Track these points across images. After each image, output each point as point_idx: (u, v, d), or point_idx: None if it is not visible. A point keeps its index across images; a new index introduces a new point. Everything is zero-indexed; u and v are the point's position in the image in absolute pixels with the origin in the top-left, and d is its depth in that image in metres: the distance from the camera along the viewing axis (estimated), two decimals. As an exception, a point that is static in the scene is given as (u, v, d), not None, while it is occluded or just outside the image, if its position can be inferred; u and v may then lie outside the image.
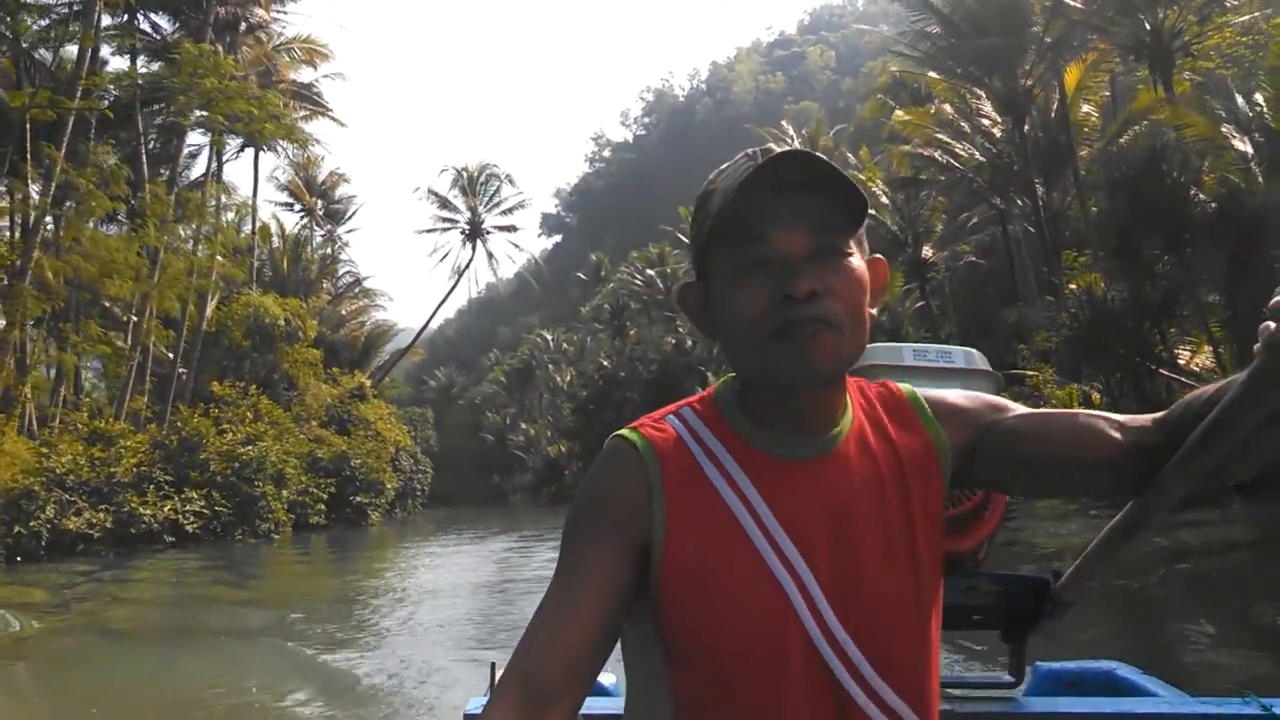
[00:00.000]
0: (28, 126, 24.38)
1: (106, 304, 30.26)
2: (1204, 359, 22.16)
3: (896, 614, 1.15)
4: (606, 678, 2.04)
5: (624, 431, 1.23)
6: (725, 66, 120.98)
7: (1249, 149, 22.78)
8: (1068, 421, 1.26)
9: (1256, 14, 26.86)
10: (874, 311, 1.18)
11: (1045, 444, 1.23)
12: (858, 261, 1.14)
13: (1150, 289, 21.21)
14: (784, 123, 50.06)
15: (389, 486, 38.91)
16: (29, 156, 23.82)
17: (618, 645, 1.20)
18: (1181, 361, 22.42)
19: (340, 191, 55.14)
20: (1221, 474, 1.18)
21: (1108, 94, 33.06)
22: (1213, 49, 28.38)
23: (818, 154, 1.10)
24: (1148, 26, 26.99)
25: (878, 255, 1.21)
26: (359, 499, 35.67)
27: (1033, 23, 29.30)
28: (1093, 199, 27.75)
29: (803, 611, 1.11)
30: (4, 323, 22.37)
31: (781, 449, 1.17)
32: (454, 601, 13.84)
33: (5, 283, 22.41)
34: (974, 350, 2.28)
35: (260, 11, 32.32)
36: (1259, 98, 23.53)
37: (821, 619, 1.11)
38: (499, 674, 1.46)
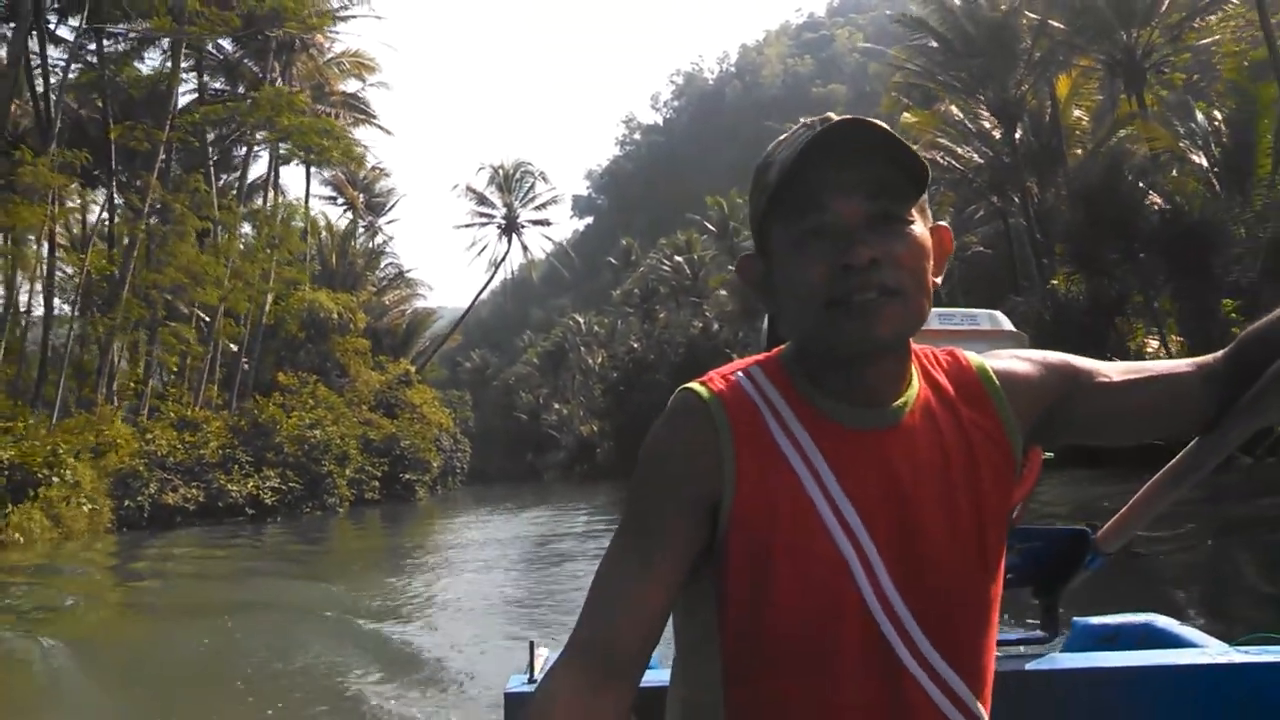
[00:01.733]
0: (112, 150, 28.43)
1: (169, 297, 34.34)
2: (1154, 349, 25.48)
3: (958, 592, 1.14)
4: None
5: (693, 385, 1.20)
6: (754, 49, 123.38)
7: (1205, 162, 26.02)
8: (1149, 383, 1.23)
9: (1217, 37, 29.94)
10: (938, 280, 1.17)
11: (1128, 409, 1.24)
12: (920, 229, 1.13)
13: (1106, 288, 24.60)
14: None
15: (434, 465, 43.01)
16: (114, 176, 27.79)
17: None
18: (1132, 351, 25.63)
19: (380, 185, 58.96)
20: None
21: (1101, 97, 35.99)
22: (1180, 67, 31.42)
23: (876, 121, 1.09)
24: (1122, 45, 30.11)
25: (942, 223, 1.20)
26: (408, 476, 39.86)
27: (1021, 40, 32.41)
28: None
29: (862, 581, 1.10)
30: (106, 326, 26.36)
31: (846, 417, 1.16)
32: (500, 573, 15.07)
33: (107, 290, 26.38)
34: (998, 312, 2.38)
35: (311, 20, 35.94)
36: (1217, 115, 26.63)
37: (881, 590, 1.11)
38: (537, 650, 1.69)
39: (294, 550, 19.79)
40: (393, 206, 61.07)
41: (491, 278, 60.13)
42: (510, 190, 58.21)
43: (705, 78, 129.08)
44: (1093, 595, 2.35)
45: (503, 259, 57.18)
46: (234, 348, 37.03)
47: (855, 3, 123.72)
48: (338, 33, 40.74)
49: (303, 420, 32.59)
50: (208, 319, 34.12)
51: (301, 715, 6.66)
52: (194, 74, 36.29)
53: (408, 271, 60.37)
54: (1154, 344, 25.45)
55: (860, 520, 1.12)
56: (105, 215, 28.72)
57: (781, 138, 1.18)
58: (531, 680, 1.75)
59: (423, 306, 62.36)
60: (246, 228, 31.91)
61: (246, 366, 37.64)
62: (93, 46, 30.90)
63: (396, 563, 16.40)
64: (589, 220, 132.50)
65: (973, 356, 1.27)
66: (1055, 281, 28.36)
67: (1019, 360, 1.27)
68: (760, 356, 1.26)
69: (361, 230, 56.67)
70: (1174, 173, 27.00)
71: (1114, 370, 1.26)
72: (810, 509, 1.12)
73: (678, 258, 66.28)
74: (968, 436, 1.18)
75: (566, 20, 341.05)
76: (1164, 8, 29.83)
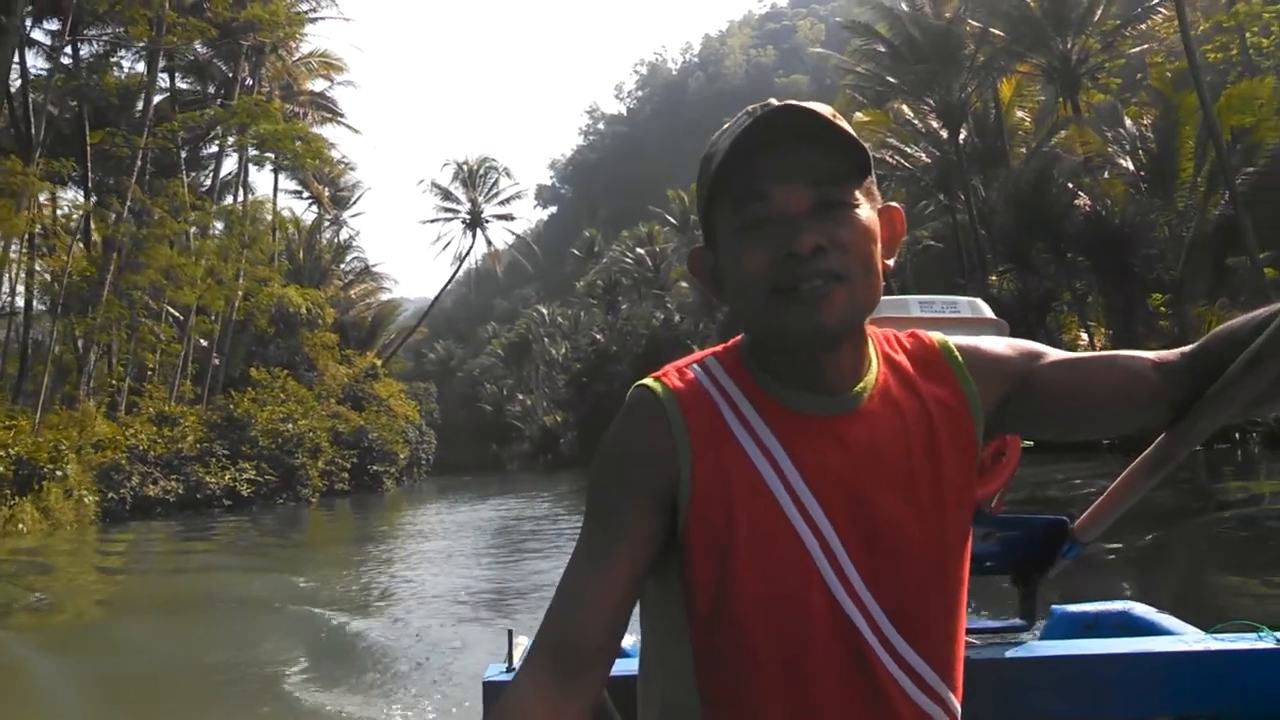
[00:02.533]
0: (88, 153, 29.76)
1: (144, 296, 35.54)
2: (1084, 342, 27.50)
3: (921, 573, 1.15)
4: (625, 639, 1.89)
5: (647, 381, 1.22)
6: (717, 40, 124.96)
7: (1132, 165, 27.99)
8: (1104, 366, 1.24)
9: (1146, 46, 31.98)
10: (890, 263, 1.17)
11: (1083, 391, 1.23)
12: (866, 212, 1.12)
13: (1036, 286, 26.64)
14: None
15: (401, 456, 44.54)
16: (88, 179, 29.09)
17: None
18: (1065, 344, 27.76)
19: (345, 179, 60.12)
20: (1261, 405, 1.17)
21: (1044, 98, 37.92)
22: (1114, 73, 33.44)
23: (813, 105, 1.09)
24: (1057, 53, 32.05)
25: (892, 204, 1.19)
26: (375, 468, 41.39)
27: (965, 46, 34.27)
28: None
29: (824, 567, 1.11)
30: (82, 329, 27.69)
31: (804, 405, 1.17)
32: (467, 560, 15.61)
33: (87, 291, 27.70)
34: (978, 299, 2.49)
35: (281, 31, 37.19)
36: (1145, 120, 28.56)
37: (844, 575, 1.11)
38: (516, 640, 1.69)
39: (268, 541, 20.92)
40: (357, 200, 62.31)
41: (456, 271, 61.53)
42: (475, 186, 59.70)
43: (669, 68, 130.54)
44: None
45: (467, 253, 58.88)
46: (204, 343, 38.31)
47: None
48: (306, 34, 41.85)
49: (275, 414, 34.00)
50: (179, 315, 35.41)
51: (267, 712, 6.49)
52: (164, 74, 37.44)
53: (374, 266, 61.60)
54: (1085, 338, 27.50)
55: (820, 507, 1.12)
56: (79, 214, 29.76)
57: (725, 127, 1.17)
58: (510, 669, 1.75)
59: (388, 299, 63.64)
60: (218, 224, 33.21)
61: (217, 362, 38.92)
62: (68, 49, 32.25)
63: (367, 553, 17.23)
64: (553, 210, 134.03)
65: (935, 335, 1.28)
66: (994, 278, 30.38)
67: (984, 339, 1.28)
68: (717, 348, 1.26)
69: (327, 224, 57.84)
70: (1105, 175, 28.99)
71: (1076, 355, 1.26)
72: (769, 498, 1.12)
73: (640, 250, 67.80)
74: (929, 414, 1.18)
75: (531, 9, 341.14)
76: (1096, 17, 31.80)
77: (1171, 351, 1.24)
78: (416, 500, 36.67)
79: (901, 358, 1.24)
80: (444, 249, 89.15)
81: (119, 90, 29.83)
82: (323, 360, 43.87)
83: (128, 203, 28.09)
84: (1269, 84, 26.04)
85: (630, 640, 1.63)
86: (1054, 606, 2.41)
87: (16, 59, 26.32)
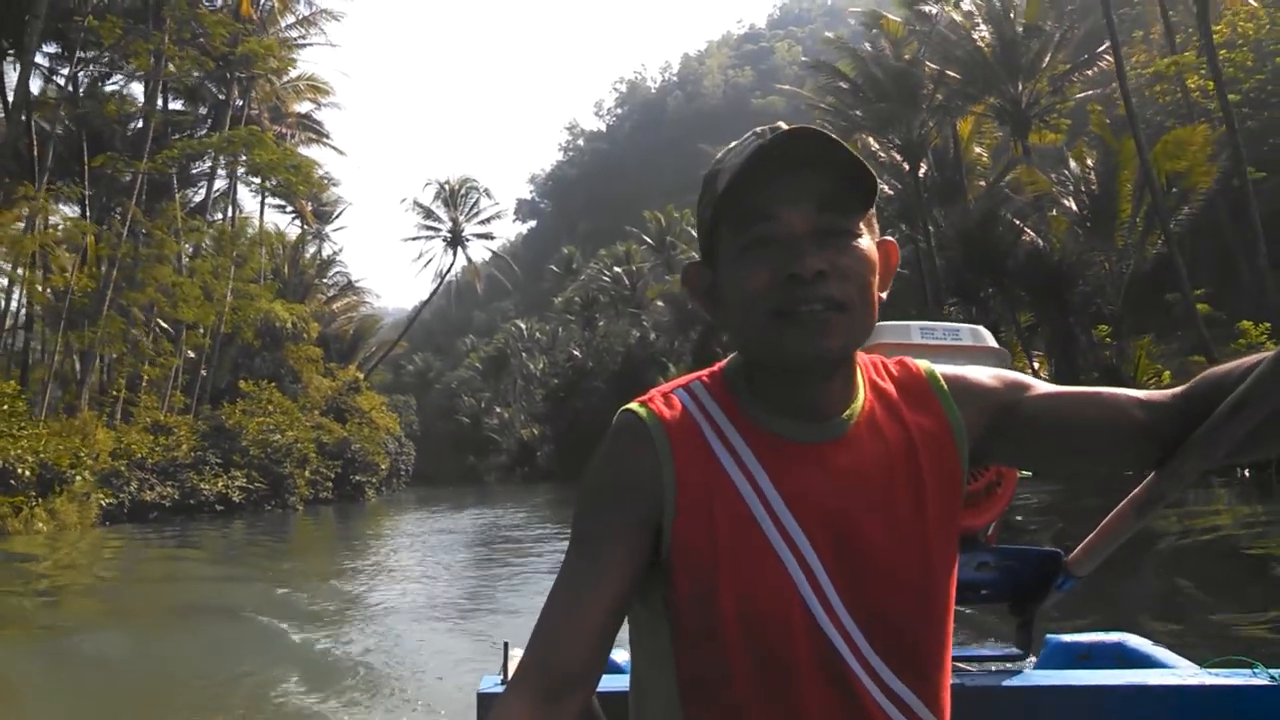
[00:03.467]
0: (86, 174, 31.64)
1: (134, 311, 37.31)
2: (1027, 371, 29.68)
3: (904, 598, 1.16)
4: (619, 654, 1.91)
5: (633, 406, 1.23)
6: (696, 59, 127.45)
7: (1075, 206, 30.19)
8: (1090, 401, 1.25)
9: (1095, 90, 34.32)
10: (883, 295, 1.18)
11: (1067, 424, 1.24)
12: (867, 243, 1.14)
13: (981, 318, 28.81)
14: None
15: (382, 467, 46.42)
16: (85, 198, 30.96)
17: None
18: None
19: (328, 195, 61.85)
20: (1247, 449, 1.18)
21: (1001, 134, 40.16)
22: (1065, 114, 35.72)
23: (827, 132, 1.10)
24: (1009, 96, 34.30)
25: (888, 237, 1.21)
26: (358, 478, 43.35)
27: (924, 86, 36.46)
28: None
29: (807, 593, 1.13)
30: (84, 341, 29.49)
31: (789, 431, 1.18)
32: (452, 570, 16.15)
33: (89, 306, 29.51)
34: (980, 327, 2.50)
35: (274, 62, 39.11)
36: (1089, 162, 30.75)
37: (826, 601, 1.13)
38: (511, 652, 1.71)
39: (260, 549, 22.04)
40: (340, 214, 64.09)
41: (437, 289, 63.37)
42: (456, 205, 61.73)
43: (648, 86, 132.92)
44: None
45: (448, 270, 60.79)
46: (190, 354, 40.04)
47: (795, 15, 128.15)
48: (295, 59, 43.79)
49: (265, 424, 35.84)
50: (168, 328, 37.17)
51: None
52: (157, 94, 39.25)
53: (357, 281, 63.46)
54: (1034, 367, 29.70)
55: (804, 534, 1.14)
56: (81, 235, 31.51)
57: (731, 145, 1.20)
58: (504, 680, 1.75)
59: (369, 314, 65.45)
60: (207, 240, 35.11)
61: (204, 373, 40.64)
62: (65, 71, 34.11)
63: (355, 561, 18.22)
64: (532, 224, 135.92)
65: (922, 363, 1.29)
66: (947, 309, 32.54)
67: (970, 369, 1.29)
68: (703, 373, 1.27)
69: (310, 239, 59.56)
70: (1054, 212, 31.21)
71: (1064, 389, 1.27)
72: (752, 525, 1.14)
73: (617, 269, 69.61)
74: (913, 442, 1.20)
75: (513, 27, 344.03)
76: (1045, 63, 34.08)
77: (1161, 392, 1.25)
78: (398, 509, 38.44)
79: (888, 385, 1.25)
80: (425, 265, 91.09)
81: (120, 116, 31.57)
82: (307, 373, 45.62)
83: (127, 223, 29.87)
84: (1202, 131, 28.19)
85: (624, 656, 1.60)
86: (1049, 636, 2.40)
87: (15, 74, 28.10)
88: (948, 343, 2.41)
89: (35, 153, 29.71)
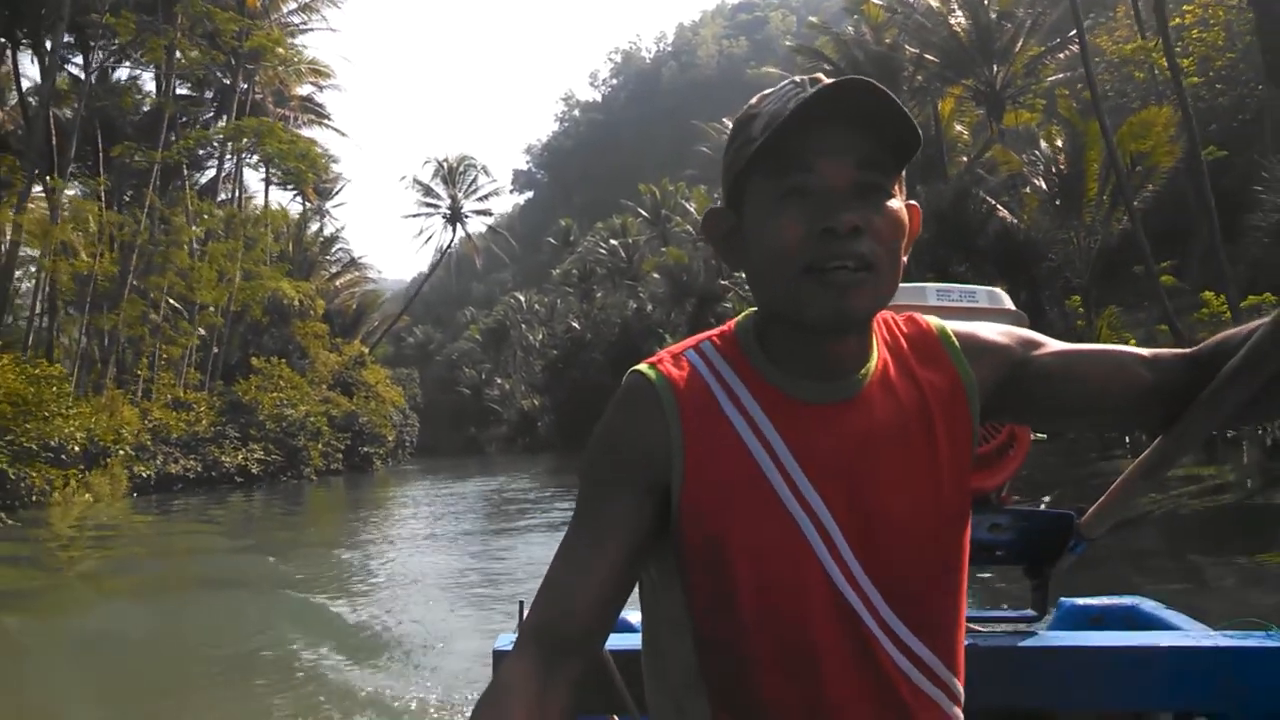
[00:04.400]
0: (101, 162, 33.57)
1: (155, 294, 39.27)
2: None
3: (918, 556, 1.16)
4: (631, 614, 1.85)
5: (642, 367, 1.23)
6: (690, 30, 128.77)
7: (1044, 185, 32.07)
8: (1100, 358, 1.26)
9: (1067, 73, 36.13)
10: (905, 259, 1.16)
11: (1078, 382, 1.24)
12: (898, 204, 1.13)
13: (955, 293, 30.79)
14: (725, 119, 57.98)
15: (389, 439, 48.58)
16: (100, 183, 32.95)
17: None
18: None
19: (328, 173, 63.65)
20: (1252, 413, 1.21)
21: (981, 112, 41.92)
22: (1040, 94, 37.53)
23: (878, 85, 1.06)
24: (984, 79, 36.11)
25: (912, 201, 1.18)
26: (366, 449, 45.65)
27: (904, 68, 38.24)
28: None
29: (822, 554, 1.13)
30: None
31: (802, 391, 1.17)
32: (456, 536, 17.07)
33: (111, 290, 31.52)
34: (998, 289, 2.46)
35: (281, 51, 40.90)
36: (1059, 143, 32.58)
37: (842, 560, 1.13)
38: (526, 611, 1.63)
39: (279, 520, 23.93)
40: (339, 190, 65.91)
41: (437, 264, 65.30)
42: (454, 183, 63.64)
43: (643, 57, 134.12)
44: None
45: (448, 247, 62.82)
46: (202, 332, 42.02)
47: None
48: (299, 45, 45.56)
49: (279, 400, 37.96)
50: (180, 308, 39.11)
51: (285, 691, 6.79)
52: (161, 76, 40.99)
53: (360, 258, 65.34)
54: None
55: (817, 493, 1.14)
56: (97, 221, 33.43)
57: (766, 92, 1.18)
58: None
59: (371, 289, 67.35)
60: (219, 225, 37.18)
61: (216, 350, 42.64)
62: (76, 59, 35.95)
63: (369, 530, 19.55)
64: (529, 195, 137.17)
65: (932, 319, 1.28)
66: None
67: (981, 325, 1.29)
68: (713, 332, 1.27)
69: (313, 215, 61.40)
70: (1026, 190, 33.08)
71: (1075, 346, 1.27)
72: (764, 485, 1.14)
73: (614, 241, 71.07)
74: (925, 400, 1.20)
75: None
76: (1019, 47, 35.87)
77: (1172, 352, 1.26)
78: (406, 479, 40.46)
79: (901, 342, 1.24)
80: (425, 242, 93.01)
81: (135, 108, 33.48)
82: (314, 349, 47.55)
83: (145, 210, 31.81)
84: (1165, 113, 30.02)
85: (636, 616, 1.61)
86: (1062, 599, 2.40)
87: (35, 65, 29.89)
88: (964, 304, 2.39)
89: (55, 143, 31.49)
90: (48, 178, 28.34)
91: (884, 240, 1.11)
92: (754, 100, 1.20)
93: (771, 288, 1.15)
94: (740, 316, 1.27)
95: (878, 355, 1.22)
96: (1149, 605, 2.28)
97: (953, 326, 1.28)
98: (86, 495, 24.61)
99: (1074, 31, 35.11)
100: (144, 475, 29.64)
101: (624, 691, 1.54)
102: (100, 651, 8.44)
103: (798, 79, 1.16)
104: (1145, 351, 1.28)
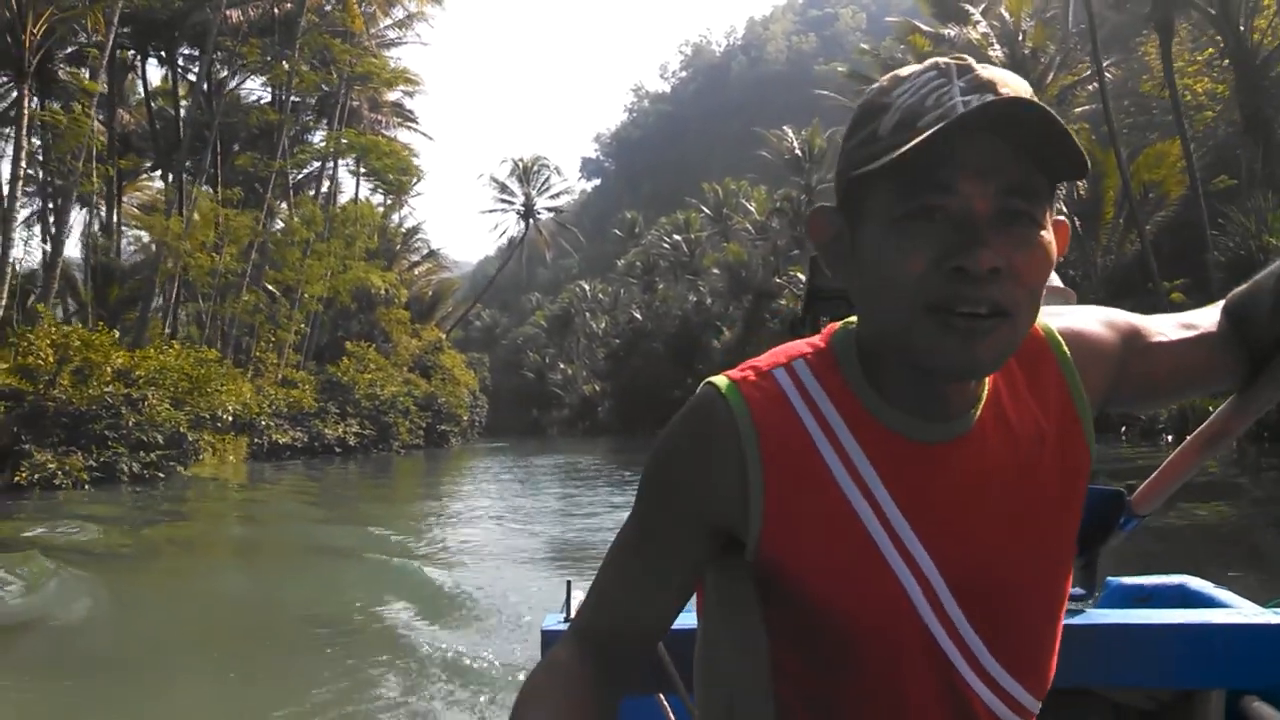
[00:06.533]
0: (219, 168, 39.23)
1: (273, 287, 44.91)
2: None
3: (1028, 605, 1.09)
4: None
5: (719, 382, 1.09)
6: (760, 24, 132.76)
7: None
8: (1193, 340, 1.20)
9: (1089, 107, 40.22)
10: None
11: (1173, 375, 1.20)
12: (1049, 236, 0.98)
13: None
14: (785, 128, 62.20)
15: (464, 419, 54.23)
16: (218, 183, 38.69)
17: None
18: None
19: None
20: None
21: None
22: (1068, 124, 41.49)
23: (1036, 99, 0.92)
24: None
25: (1060, 217, 1.04)
26: (443, 428, 51.46)
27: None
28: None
29: (924, 610, 1.04)
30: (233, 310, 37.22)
31: (907, 427, 1.05)
32: (523, 511, 18.62)
33: (234, 283, 37.13)
34: None
35: (386, 75, 46.44)
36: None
37: (946, 615, 1.05)
38: (574, 594, 1.79)
39: (374, 489, 28.66)
40: (417, 181, 71.41)
41: (509, 257, 70.77)
42: (529, 181, 69.02)
43: (713, 50, 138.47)
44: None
45: (521, 241, 68.24)
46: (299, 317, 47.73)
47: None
48: (394, 57, 51.00)
49: (372, 380, 43.58)
50: (274, 293, 44.56)
51: (355, 652, 7.39)
52: (270, 86, 46.61)
53: (437, 250, 70.92)
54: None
55: (921, 545, 1.03)
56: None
57: (901, 74, 1.01)
58: (567, 619, 1.80)
59: (446, 277, 72.89)
60: (324, 226, 42.79)
61: (308, 332, 48.17)
62: (196, 69, 41.54)
63: (450, 502, 21.64)
64: (596, 182, 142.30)
65: (1040, 322, 1.13)
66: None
67: (1082, 320, 1.19)
68: (805, 346, 1.12)
69: (395, 207, 66.93)
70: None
71: (1165, 327, 1.20)
72: (861, 535, 1.03)
73: (676, 236, 75.79)
74: (1040, 430, 1.09)
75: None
76: (1049, 81, 39.99)
77: (1211, 320, 1.23)
78: (479, 456, 45.49)
79: (1011, 361, 1.06)
80: (501, 235, 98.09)
81: (261, 124, 39.11)
82: (396, 334, 53.01)
83: (264, 211, 37.37)
84: (1177, 146, 34.10)
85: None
86: (1109, 579, 2.36)
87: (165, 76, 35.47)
88: None
89: (187, 146, 37.07)
90: (195, 187, 33.94)
91: (1025, 282, 0.94)
92: (884, 81, 1.02)
93: (884, 318, 1.00)
94: (838, 327, 1.13)
95: (990, 381, 1.08)
96: (1196, 584, 2.23)
97: (1059, 327, 1.15)
98: (231, 457, 30.21)
99: (1104, 63, 39.21)
100: (257, 443, 35.14)
101: (674, 674, 1.46)
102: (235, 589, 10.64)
103: (942, 63, 0.98)
104: (1206, 327, 1.22)
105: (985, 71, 0.96)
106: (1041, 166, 0.95)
